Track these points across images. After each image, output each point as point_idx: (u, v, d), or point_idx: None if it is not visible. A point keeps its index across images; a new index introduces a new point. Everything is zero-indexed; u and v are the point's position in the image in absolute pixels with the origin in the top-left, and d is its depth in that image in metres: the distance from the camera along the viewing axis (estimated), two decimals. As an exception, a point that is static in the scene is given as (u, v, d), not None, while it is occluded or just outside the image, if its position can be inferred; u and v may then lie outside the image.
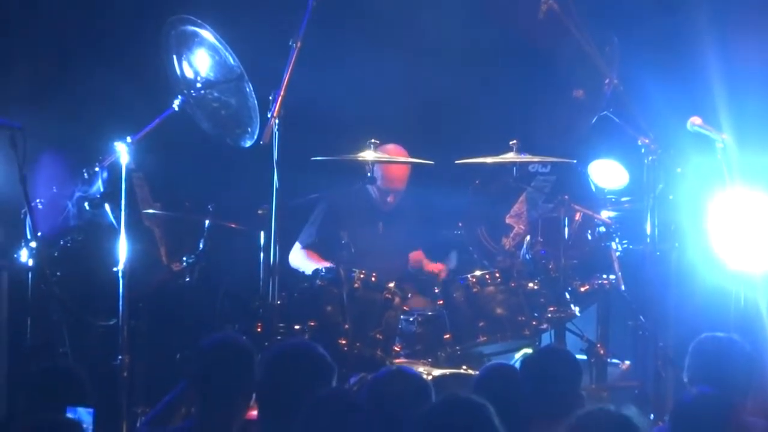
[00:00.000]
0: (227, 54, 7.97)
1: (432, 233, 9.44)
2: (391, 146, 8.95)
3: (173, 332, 8.64)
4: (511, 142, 8.59)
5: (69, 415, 5.39)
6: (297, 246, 9.22)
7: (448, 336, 8.36)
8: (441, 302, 8.49)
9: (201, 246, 8.49)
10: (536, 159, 8.79)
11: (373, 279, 8.27)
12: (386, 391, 5.30)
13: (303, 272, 8.79)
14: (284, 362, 5.65)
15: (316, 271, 8.32)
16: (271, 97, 7.81)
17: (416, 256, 9.25)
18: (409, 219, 9.29)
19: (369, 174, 8.50)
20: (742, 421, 5.40)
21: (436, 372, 7.91)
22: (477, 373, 6.29)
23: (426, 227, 9.37)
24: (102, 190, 8.06)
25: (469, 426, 4.50)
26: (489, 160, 8.66)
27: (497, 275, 8.42)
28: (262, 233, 8.04)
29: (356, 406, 5.11)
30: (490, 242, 9.29)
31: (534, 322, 8.31)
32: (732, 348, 6.20)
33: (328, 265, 8.38)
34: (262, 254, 8.03)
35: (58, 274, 8.25)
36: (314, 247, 9.15)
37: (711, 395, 5.42)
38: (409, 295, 8.62)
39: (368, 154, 8.41)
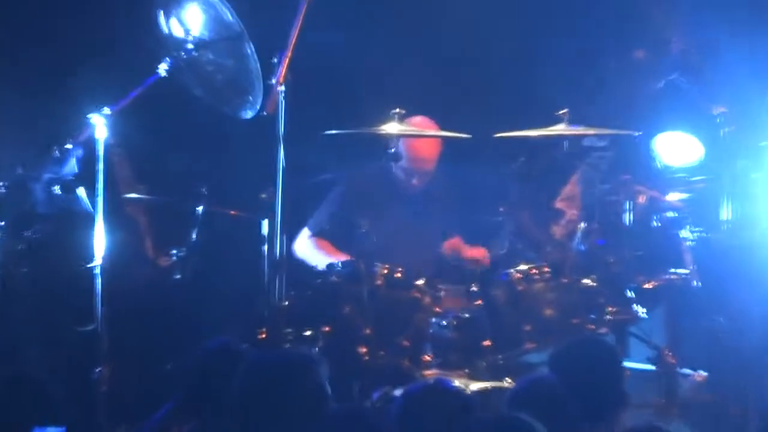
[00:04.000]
0: (224, 8, 7.78)
1: (468, 219, 9.04)
2: (418, 119, 8.61)
3: (161, 339, 8.49)
4: (560, 112, 8.21)
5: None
6: (305, 233, 8.89)
7: (488, 342, 8.02)
8: (480, 302, 8.14)
9: (193, 237, 8.26)
10: (591, 131, 8.50)
11: (398, 275, 7.99)
12: (422, 409, 5.14)
13: (313, 266, 8.48)
14: (262, 378, 5.31)
15: (331, 266, 8.04)
16: (275, 60, 7.57)
17: (453, 243, 8.85)
18: (441, 203, 8.95)
19: (392, 150, 8.18)
20: None
21: (474, 386, 7.54)
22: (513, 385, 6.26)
23: (461, 212, 9.01)
24: (75, 170, 7.86)
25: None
26: (535, 133, 8.33)
27: (546, 270, 8.14)
28: (265, 221, 7.83)
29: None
30: (537, 230, 8.90)
31: (590, 326, 8.00)
32: None
33: (343, 257, 8.19)
34: (266, 246, 7.83)
35: (24, 270, 8.10)
36: (325, 235, 8.85)
37: None
38: (442, 294, 8.16)
39: (391, 127, 8.11)
